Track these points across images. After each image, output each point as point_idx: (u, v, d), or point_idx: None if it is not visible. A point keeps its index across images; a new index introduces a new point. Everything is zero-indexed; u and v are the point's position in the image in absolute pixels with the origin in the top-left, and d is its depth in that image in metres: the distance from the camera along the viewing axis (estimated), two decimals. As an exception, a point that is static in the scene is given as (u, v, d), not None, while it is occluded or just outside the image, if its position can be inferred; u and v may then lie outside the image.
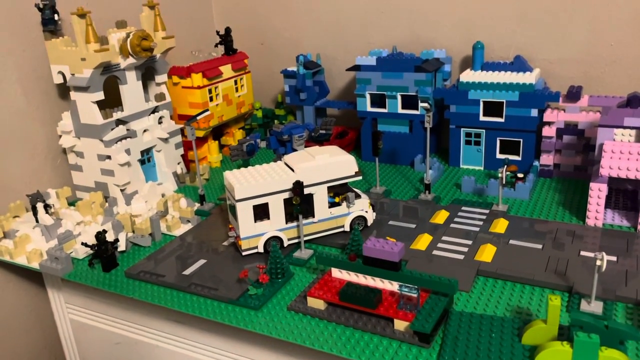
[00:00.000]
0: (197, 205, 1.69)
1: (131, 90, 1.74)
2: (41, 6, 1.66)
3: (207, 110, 1.63)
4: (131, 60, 1.69)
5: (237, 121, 2.24)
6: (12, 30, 1.66)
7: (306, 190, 1.35)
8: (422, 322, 1.03)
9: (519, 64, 1.80)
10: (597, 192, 1.39)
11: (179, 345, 1.45)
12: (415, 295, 1.09)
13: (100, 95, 1.65)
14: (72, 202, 1.77)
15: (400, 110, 1.92)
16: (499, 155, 1.82)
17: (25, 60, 1.70)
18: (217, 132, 2.18)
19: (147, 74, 1.82)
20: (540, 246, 1.32)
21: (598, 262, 1.03)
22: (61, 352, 1.82)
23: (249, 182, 1.33)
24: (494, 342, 1.02)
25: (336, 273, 1.21)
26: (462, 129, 1.85)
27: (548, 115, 1.70)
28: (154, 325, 1.46)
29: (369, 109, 1.97)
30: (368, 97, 1.96)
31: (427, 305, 1.08)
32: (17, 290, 1.75)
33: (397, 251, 1.10)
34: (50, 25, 1.65)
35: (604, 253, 1.03)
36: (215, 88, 2.01)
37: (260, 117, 2.30)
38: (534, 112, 1.72)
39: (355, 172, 1.43)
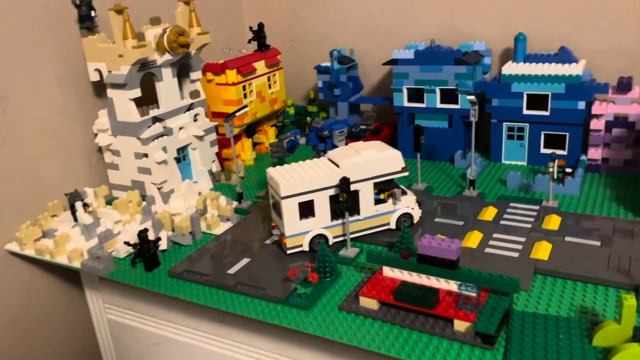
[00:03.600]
0: (235, 203, 1.66)
1: (167, 87, 1.72)
2: (78, 3, 1.64)
3: (246, 106, 1.60)
4: (167, 56, 1.67)
5: (270, 119, 2.21)
6: (50, 28, 1.64)
7: (351, 187, 1.31)
8: (485, 323, 0.99)
9: (563, 55, 1.73)
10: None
11: (221, 345, 1.42)
12: (475, 295, 1.04)
13: (137, 93, 1.62)
14: (108, 201, 1.76)
15: (439, 105, 1.87)
16: (543, 150, 1.76)
17: (62, 57, 1.69)
18: (250, 130, 2.15)
19: (180, 71, 1.79)
20: (598, 243, 1.26)
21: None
22: (98, 353, 1.80)
23: (294, 179, 1.30)
24: (563, 343, 0.97)
25: (388, 272, 1.17)
26: (504, 123, 1.79)
27: (597, 108, 1.64)
28: (196, 325, 1.44)
29: (406, 103, 1.93)
30: (405, 91, 1.91)
31: (488, 305, 1.04)
32: (53, 290, 1.74)
33: (454, 249, 1.06)
34: (87, 22, 1.64)
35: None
36: (249, 85, 1.98)
37: (292, 114, 2.26)
38: (582, 105, 1.65)
39: (402, 168, 1.39)
